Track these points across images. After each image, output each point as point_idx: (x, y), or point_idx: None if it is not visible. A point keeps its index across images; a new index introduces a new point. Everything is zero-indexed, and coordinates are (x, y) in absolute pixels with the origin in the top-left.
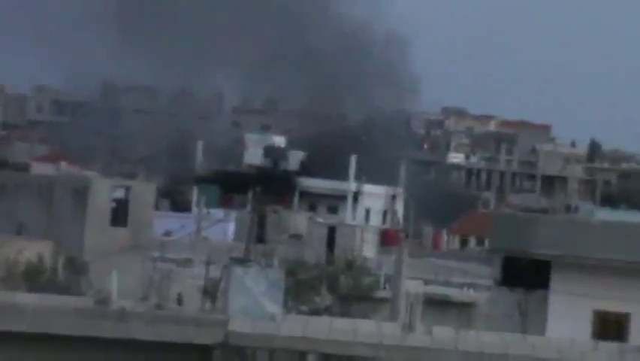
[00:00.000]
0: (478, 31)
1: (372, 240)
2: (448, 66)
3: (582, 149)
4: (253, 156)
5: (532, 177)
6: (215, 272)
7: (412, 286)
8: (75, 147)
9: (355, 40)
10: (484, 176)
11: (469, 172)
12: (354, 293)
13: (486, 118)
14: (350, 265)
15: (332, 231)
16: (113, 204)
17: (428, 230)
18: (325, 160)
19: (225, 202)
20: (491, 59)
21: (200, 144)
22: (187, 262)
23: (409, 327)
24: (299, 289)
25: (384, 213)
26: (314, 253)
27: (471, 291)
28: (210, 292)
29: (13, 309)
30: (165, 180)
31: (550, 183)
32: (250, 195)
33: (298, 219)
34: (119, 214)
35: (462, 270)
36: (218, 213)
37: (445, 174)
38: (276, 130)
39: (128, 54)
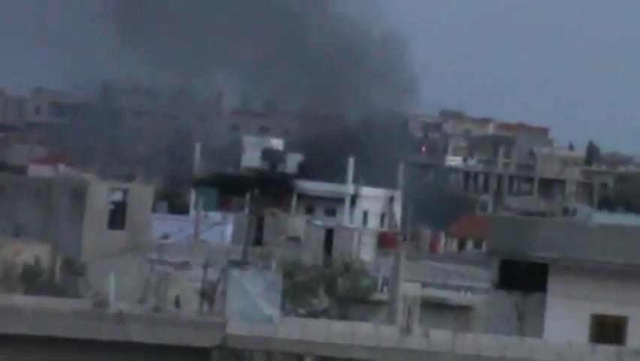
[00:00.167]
0: (476, 33)
1: (369, 242)
2: (445, 68)
3: (580, 152)
4: (251, 158)
5: (530, 179)
6: (213, 275)
7: (409, 288)
8: (73, 148)
9: (353, 41)
10: (481, 179)
11: (467, 175)
12: (352, 296)
13: (484, 121)
14: (348, 268)
15: (330, 233)
16: (111, 207)
17: (426, 233)
18: (323, 163)
19: (223, 205)
20: (489, 62)
21: (198, 146)
22: (185, 265)
23: (406, 330)
24: (296, 292)
25: (382, 216)
26: (312, 255)
27: (468, 294)
28: (208, 294)
29: (12, 311)
30: (163, 182)
31: (548, 185)
32: (248, 197)
33: (296, 222)
34: (117, 217)
35: (459, 273)
36: (216, 215)
37: (443, 177)
38: (274, 132)
39: (127, 55)
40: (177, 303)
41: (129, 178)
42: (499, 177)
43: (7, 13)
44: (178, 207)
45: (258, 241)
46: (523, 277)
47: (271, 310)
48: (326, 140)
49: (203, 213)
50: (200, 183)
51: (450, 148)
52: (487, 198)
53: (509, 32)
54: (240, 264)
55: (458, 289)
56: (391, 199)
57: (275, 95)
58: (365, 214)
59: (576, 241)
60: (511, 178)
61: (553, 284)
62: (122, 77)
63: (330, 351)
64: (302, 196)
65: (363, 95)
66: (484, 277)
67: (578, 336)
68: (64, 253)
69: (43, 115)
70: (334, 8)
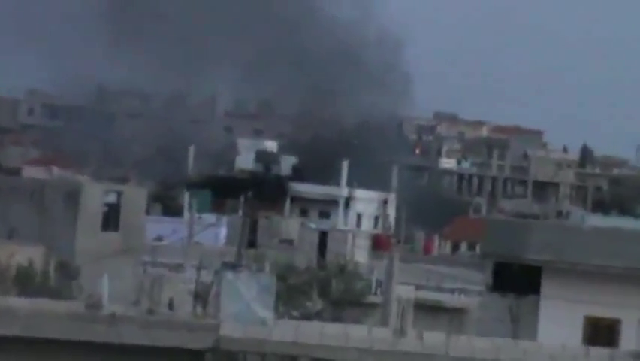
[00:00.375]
0: (470, 37)
1: (363, 245)
2: (439, 71)
3: (574, 154)
4: (245, 160)
5: (524, 182)
6: (206, 277)
7: (403, 291)
8: (67, 151)
9: (347, 44)
10: (475, 181)
11: (461, 177)
12: (346, 298)
13: (478, 123)
14: (341, 270)
15: (323, 236)
16: (105, 209)
17: (420, 235)
18: (317, 165)
19: (217, 207)
20: (483, 64)
21: (192, 149)
22: (178, 267)
23: (400, 332)
24: (290, 294)
25: (376, 219)
26: (305, 258)
27: (462, 296)
28: (202, 296)
29: (5, 313)
30: (157, 184)
31: (542, 188)
32: (242, 200)
33: (290, 224)
34: (111, 219)
35: (453, 275)
36: (209, 217)
37: (437, 180)
38: (268, 135)
39: (121, 58)
40: (171, 305)
41: (123, 180)
42: (493, 180)
43: (0, 14)
44: (172, 210)
45: (252, 244)
46: (517, 280)
47: (265, 312)
48: (320, 142)
49: (196, 215)
50: (194, 186)
51: (444, 150)
52: (481, 200)
53: (503, 35)
54: (233, 266)
55: (452, 291)
56: (385, 202)
57: (269, 98)
58: (359, 217)
59: (570, 243)
60: (505, 181)
61: (547, 287)
62: (116, 79)
63: (323, 353)
64: (296, 199)
65: (357, 97)
66: (478, 279)
67: (571, 339)
68: (58, 255)
69: (36, 117)
70: (328, 10)
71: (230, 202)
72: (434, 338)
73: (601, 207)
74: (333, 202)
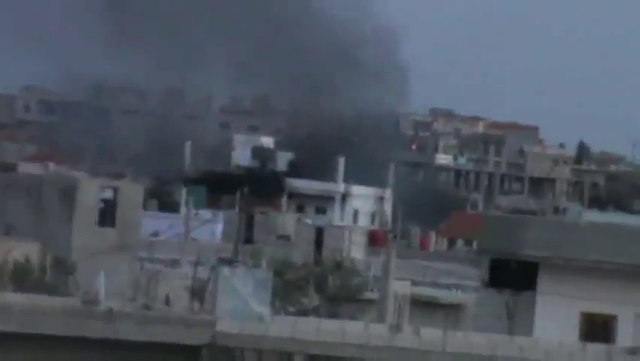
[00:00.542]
0: (466, 32)
1: (360, 241)
2: (436, 67)
3: (570, 151)
4: (241, 156)
5: (521, 178)
6: (203, 273)
7: (399, 287)
8: (63, 147)
9: (344, 40)
10: (472, 177)
11: (458, 173)
12: (342, 294)
13: (474, 119)
14: (338, 266)
15: (320, 232)
16: (101, 205)
17: (416, 231)
18: (314, 161)
19: (213, 203)
20: (480, 61)
21: (188, 145)
22: (175, 263)
23: (396, 328)
24: (287, 290)
25: (373, 215)
26: (302, 254)
27: (459, 292)
28: (198, 292)
29: (2, 309)
30: (153, 180)
31: (539, 184)
32: (238, 195)
33: (286, 220)
34: (107, 214)
35: (450, 271)
36: (206, 213)
37: (433, 176)
38: (265, 131)
39: (118, 54)
40: (167, 301)
41: (119, 176)
42: (490, 176)
43: None
44: (168, 205)
45: (249, 240)
46: (514, 276)
47: (261, 308)
48: (316, 138)
49: (193, 211)
50: (191, 182)
51: (440, 146)
52: (478, 196)
53: (500, 31)
54: (230, 262)
55: (448, 287)
56: (382, 198)
57: (265, 94)
58: (355, 213)
59: (566, 239)
60: (501, 177)
61: (544, 283)
62: (113, 75)
63: (320, 350)
64: (292, 195)
65: (353, 93)
66: (475, 275)
67: (567, 335)
68: (54, 251)
69: (33, 113)
70: (325, 7)
71: (227, 198)
72: (430, 334)
73: (597, 203)
74: (329, 198)
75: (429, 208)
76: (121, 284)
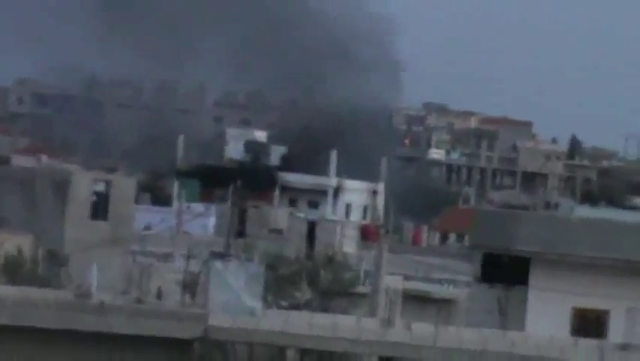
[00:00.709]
0: (460, 27)
1: (352, 235)
2: (429, 62)
3: (563, 146)
4: (234, 150)
5: (513, 173)
6: (195, 266)
7: (391, 281)
8: (56, 140)
9: (337, 34)
10: (464, 172)
11: (450, 168)
12: (334, 288)
13: (467, 114)
14: (330, 261)
15: (312, 226)
16: (94, 198)
17: (408, 226)
18: (306, 155)
19: (206, 197)
20: (473, 56)
21: (181, 138)
22: (167, 256)
23: (388, 323)
24: (279, 284)
25: (365, 209)
26: (294, 248)
27: (451, 287)
28: (190, 286)
29: None
30: (146, 174)
31: (531, 179)
32: (231, 189)
33: (279, 214)
34: (100, 208)
35: (442, 266)
36: (198, 207)
37: (426, 170)
38: (258, 125)
39: (111, 48)
40: (159, 295)
41: (112, 170)
42: (482, 171)
43: None
44: (161, 199)
45: (241, 233)
46: (506, 271)
47: (253, 302)
48: (309, 132)
49: (185, 204)
50: (183, 175)
51: (433, 141)
52: (470, 191)
53: (493, 27)
54: (222, 256)
55: (440, 282)
56: (374, 192)
57: (258, 88)
58: (348, 207)
59: (558, 235)
60: (494, 172)
61: (536, 278)
62: (106, 69)
63: (312, 343)
64: (285, 189)
65: (346, 87)
66: (467, 270)
67: (559, 330)
68: (47, 244)
69: (26, 106)
70: (321, 2)
71: (219, 192)
72: (422, 329)
73: (589, 198)
74: (322, 192)
75: (421, 203)
76: (113, 278)
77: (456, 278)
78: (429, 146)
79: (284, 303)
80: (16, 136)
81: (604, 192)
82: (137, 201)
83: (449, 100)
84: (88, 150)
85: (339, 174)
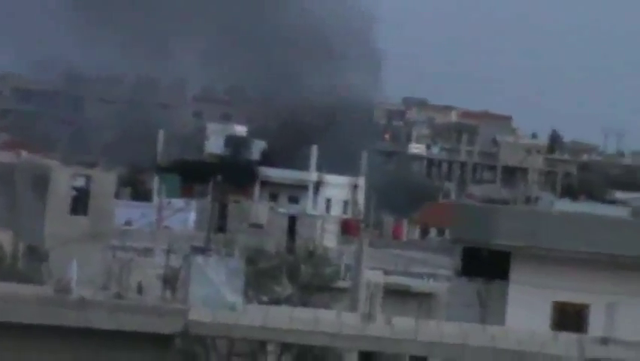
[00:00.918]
0: (440, 21)
1: (332, 230)
2: (409, 56)
3: (543, 140)
4: (215, 145)
5: (493, 167)
6: (175, 261)
7: (372, 276)
8: (37, 135)
9: (318, 28)
10: (445, 167)
11: (430, 163)
12: (315, 283)
13: (447, 109)
14: (311, 255)
15: (293, 220)
16: (74, 193)
17: (389, 220)
18: (287, 150)
19: (186, 191)
20: (453, 50)
21: (161, 133)
22: (147, 251)
23: (369, 317)
24: (259, 279)
25: (346, 204)
26: (275, 242)
27: (431, 281)
28: (171, 281)
29: None
30: (126, 168)
31: (511, 174)
32: (211, 184)
33: (259, 209)
34: (80, 203)
35: (422, 260)
36: (179, 202)
37: (406, 165)
38: (238, 119)
39: (91, 42)
40: (140, 290)
41: (92, 165)
42: (463, 165)
43: None
44: (141, 194)
45: (221, 228)
46: (486, 265)
47: (234, 297)
48: (289, 127)
49: (166, 199)
50: (164, 170)
51: (413, 136)
52: (451, 185)
53: (473, 21)
54: (202, 251)
55: (421, 276)
56: (355, 187)
57: (238, 82)
58: (328, 202)
59: (539, 229)
60: (474, 166)
61: (516, 272)
62: (87, 63)
63: (292, 338)
64: (265, 183)
65: (327, 82)
66: (447, 264)
67: (539, 324)
68: (27, 240)
69: (5, 101)
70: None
71: (200, 187)
72: (403, 323)
73: (570, 192)
74: (302, 187)
75: (402, 197)
76: (93, 273)
77: (436, 272)
78: (409, 140)
79: (264, 298)
80: None
81: (584, 186)
82: (117, 196)
83: (429, 94)
84: (68, 145)
85: (320, 168)
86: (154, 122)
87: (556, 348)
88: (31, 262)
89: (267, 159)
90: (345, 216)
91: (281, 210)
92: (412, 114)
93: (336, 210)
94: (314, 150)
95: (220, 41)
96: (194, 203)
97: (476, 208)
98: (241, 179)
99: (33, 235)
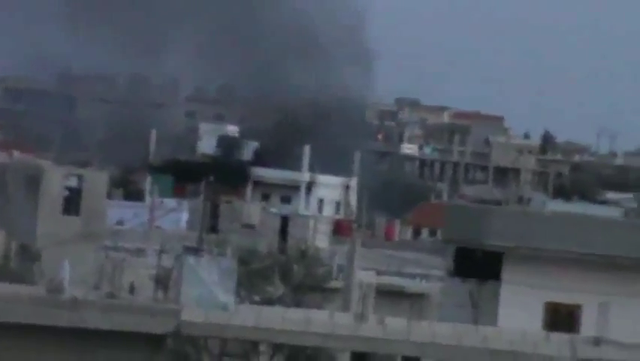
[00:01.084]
0: (433, 21)
1: (325, 230)
2: (402, 56)
3: (535, 140)
4: (207, 145)
5: (485, 168)
6: (168, 261)
7: (364, 276)
8: (29, 134)
9: (311, 28)
10: (437, 167)
11: (423, 163)
12: (307, 283)
13: (440, 109)
14: (303, 255)
15: (285, 221)
16: (66, 193)
17: (381, 221)
18: (279, 150)
19: (178, 192)
20: (445, 50)
21: (154, 133)
22: (140, 252)
23: (361, 317)
24: (252, 279)
25: (338, 204)
26: (267, 242)
27: (423, 282)
28: (163, 281)
29: None
30: (118, 168)
31: (503, 174)
32: (203, 184)
33: (251, 209)
34: (72, 203)
35: (415, 260)
36: (171, 202)
37: (399, 165)
38: (230, 120)
39: (85, 43)
40: (132, 290)
41: (84, 164)
42: (455, 166)
43: None
44: (133, 194)
45: (213, 228)
46: (478, 266)
47: (226, 297)
48: (282, 127)
49: (158, 199)
50: (156, 170)
51: (405, 136)
52: (443, 186)
53: (466, 20)
54: (195, 251)
55: (413, 276)
56: (347, 187)
57: (230, 82)
58: (320, 202)
59: (531, 229)
60: (466, 166)
61: (508, 272)
62: (79, 63)
63: (285, 338)
64: (257, 183)
65: (319, 82)
66: (439, 265)
67: (532, 324)
68: (19, 239)
69: None
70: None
71: (192, 187)
72: (395, 324)
73: (562, 193)
74: (294, 187)
75: (394, 198)
76: (86, 273)
77: (429, 273)
78: (401, 141)
79: (257, 298)
80: None
81: (576, 186)
82: (109, 196)
83: (421, 94)
84: (60, 145)
85: (312, 168)
86: (146, 122)
87: (549, 349)
88: (23, 261)
89: (260, 159)
90: (337, 217)
91: (273, 210)
92: (405, 114)
93: (329, 211)
94: (306, 150)
95: (213, 41)
96: (186, 203)
97: (468, 209)
98: (233, 179)
99: (25, 234)
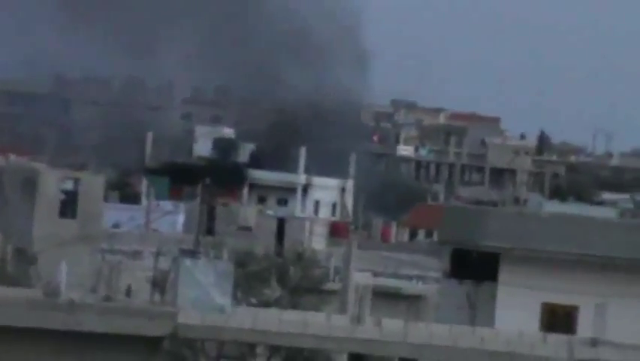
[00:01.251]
0: (428, 22)
1: (321, 232)
2: (397, 57)
3: (531, 141)
4: (203, 147)
5: (482, 169)
6: (164, 264)
7: (361, 278)
8: (24, 138)
9: (307, 31)
10: (433, 168)
11: (419, 165)
12: (304, 285)
13: (436, 110)
14: (299, 258)
15: (281, 223)
16: (62, 196)
17: (377, 222)
18: (275, 152)
19: (175, 194)
20: (441, 51)
21: (150, 136)
22: (136, 254)
23: (358, 319)
24: (248, 282)
25: (334, 206)
26: (263, 245)
27: (420, 283)
28: (159, 284)
29: None
30: (115, 171)
31: (500, 175)
32: (200, 187)
33: (248, 212)
34: (68, 206)
35: (411, 262)
36: (167, 205)
37: (395, 167)
38: (227, 122)
39: (80, 46)
40: (129, 292)
41: (80, 167)
42: (451, 167)
43: None
44: (129, 197)
45: (210, 231)
46: (475, 267)
47: (223, 299)
48: (278, 129)
49: (154, 202)
50: (152, 173)
51: (402, 137)
52: (439, 187)
53: (462, 22)
54: (191, 253)
55: (410, 278)
56: (343, 189)
57: (225, 84)
58: (317, 204)
59: (527, 230)
60: (462, 168)
61: (505, 274)
62: (74, 65)
63: (281, 340)
64: (254, 186)
65: (314, 83)
66: (436, 266)
67: (529, 325)
68: (16, 242)
69: None
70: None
71: (188, 189)
72: (392, 325)
73: (558, 193)
74: (291, 189)
75: (390, 199)
76: (82, 275)
77: (425, 274)
78: (397, 142)
79: (253, 300)
80: None
81: (572, 187)
82: (105, 199)
83: (417, 96)
84: (56, 148)
85: (308, 171)
86: (142, 124)
87: (546, 350)
88: (19, 264)
89: (256, 162)
90: (333, 219)
91: (269, 212)
92: (401, 116)
93: (325, 213)
94: (302, 152)
95: (208, 43)
96: (182, 206)
97: (465, 210)
98: (230, 181)
99: (22, 237)
